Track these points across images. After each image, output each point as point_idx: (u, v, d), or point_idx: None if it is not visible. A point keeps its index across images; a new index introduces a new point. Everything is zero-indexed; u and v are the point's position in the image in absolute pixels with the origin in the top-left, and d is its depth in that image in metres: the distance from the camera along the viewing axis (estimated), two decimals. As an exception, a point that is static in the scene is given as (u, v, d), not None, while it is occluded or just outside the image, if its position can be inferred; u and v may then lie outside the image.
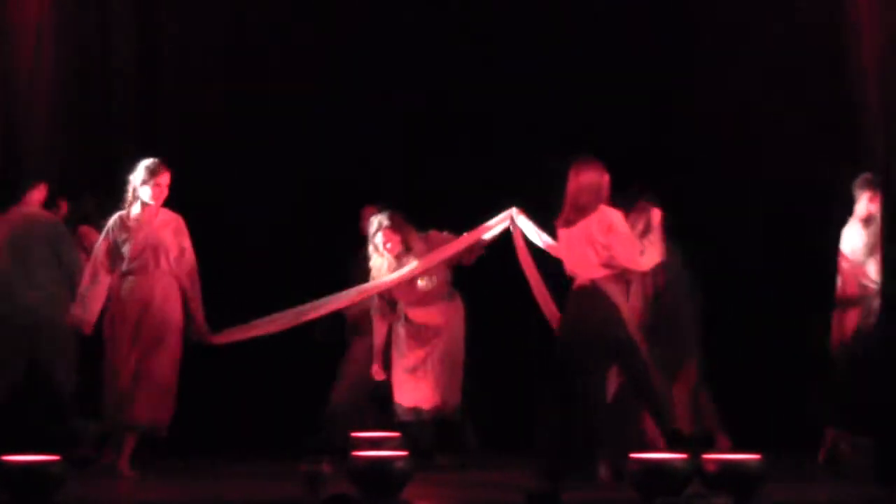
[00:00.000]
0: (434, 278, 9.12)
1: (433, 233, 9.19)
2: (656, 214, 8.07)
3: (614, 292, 7.79)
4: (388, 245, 9.09)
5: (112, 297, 8.56)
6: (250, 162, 10.61)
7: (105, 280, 8.56)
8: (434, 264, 8.97)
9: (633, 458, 7.19)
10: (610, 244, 7.77)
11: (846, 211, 9.08)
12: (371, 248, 9.18)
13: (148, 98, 10.70)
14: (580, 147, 8.18)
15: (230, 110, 10.69)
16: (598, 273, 7.78)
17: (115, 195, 8.89)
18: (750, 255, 10.05)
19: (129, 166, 8.79)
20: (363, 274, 9.39)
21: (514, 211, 8.73)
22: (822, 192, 9.56)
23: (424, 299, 9.15)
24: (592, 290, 7.76)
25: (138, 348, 8.45)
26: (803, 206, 9.78)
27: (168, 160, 8.98)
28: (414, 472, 7.31)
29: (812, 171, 9.77)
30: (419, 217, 9.33)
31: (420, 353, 9.11)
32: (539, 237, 8.55)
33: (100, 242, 8.62)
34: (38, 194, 9.26)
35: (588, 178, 7.88)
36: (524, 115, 10.66)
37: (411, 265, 8.97)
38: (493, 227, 8.80)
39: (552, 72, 10.65)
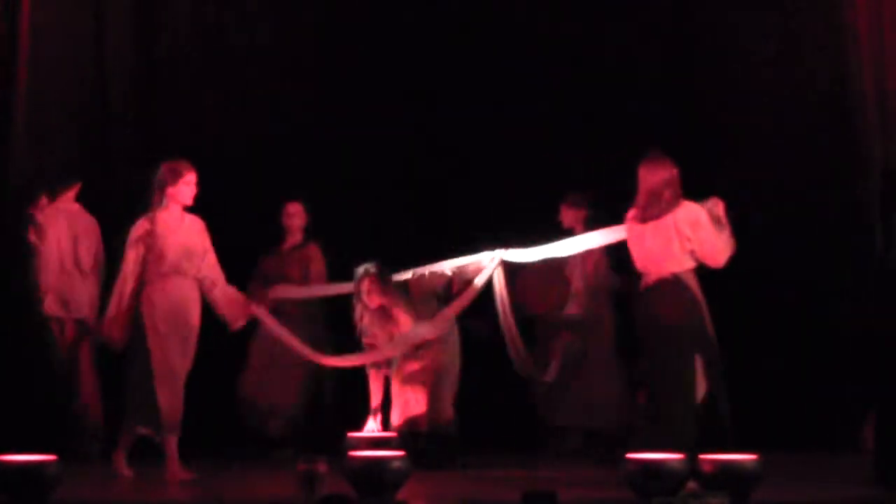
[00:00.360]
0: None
1: (413, 278, 9.16)
2: (721, 207, 8.07)
3: (695, 286, 7.92)
4: (372, 295, 9.02)
5: (146, 303, 8.35)
6: (248, 164, 10.65)
7: (133, 291, 8.44)
8: (448, 320, 9.05)
9: (629, 457, 7.20)
10: (697, 238, 7.89)
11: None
12: (355, 296, 9.11)
13: (146, 99, 10.74)
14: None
15: (228, 112, 10.77)
16: (681, 267, 7.91)
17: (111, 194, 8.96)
18: (747, 256, 10.06)
19: (127, 167, 8.86)
20: (274, 268, 9.61)
21: (500, 253, 8.82)
22: (819, 193, 9.60)
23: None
24: (675, 283, 7.89)
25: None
26: (799, 207, 9.81)
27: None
28: (410, 472, 7.29)
29: (811, 174, 9.80)
30: (413, 223, 9.32)
31: (415, 364, 9.10)
32: (561, 248, 8.62)
33: (130, 253, 8.39)
34: (73, 192, 9.52)
35: (665, 173, 8.00)
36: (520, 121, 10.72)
37: (417, 330, 9.00)
38: (482, 274, 8.87)
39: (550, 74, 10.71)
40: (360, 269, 9.08)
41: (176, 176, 8.44)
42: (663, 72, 10.60)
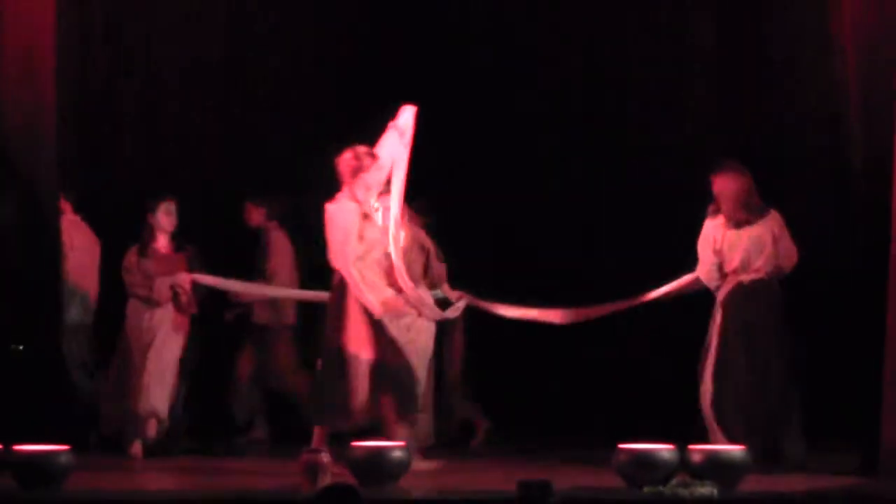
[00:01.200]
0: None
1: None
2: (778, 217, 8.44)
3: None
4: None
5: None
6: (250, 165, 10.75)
7: None
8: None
9: (620, 447, 7.39)
10: (782, 243, 8.30)
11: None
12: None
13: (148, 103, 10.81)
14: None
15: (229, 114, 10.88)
16: (771, 269, 8.27)
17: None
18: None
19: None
20: (157, 269, 9.29)
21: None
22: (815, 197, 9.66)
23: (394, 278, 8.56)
24: (769, 284, 8.28)
25: None
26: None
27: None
28: (411, 462, 7.50)
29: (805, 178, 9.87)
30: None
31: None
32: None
33: (351, 240, 8.07)
34: (71, 203, 9.68)
35: (747, 179, 8.36)
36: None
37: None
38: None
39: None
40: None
41: (368, 161, 8.19)
42: (651, 76, 10.65)
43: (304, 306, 9.87)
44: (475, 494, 7.55)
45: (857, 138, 8.42)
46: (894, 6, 8.09)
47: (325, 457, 7.31)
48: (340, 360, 8.05)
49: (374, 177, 8.16)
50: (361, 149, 8.19)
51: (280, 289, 9.93)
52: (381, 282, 8.12)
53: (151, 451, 9.05)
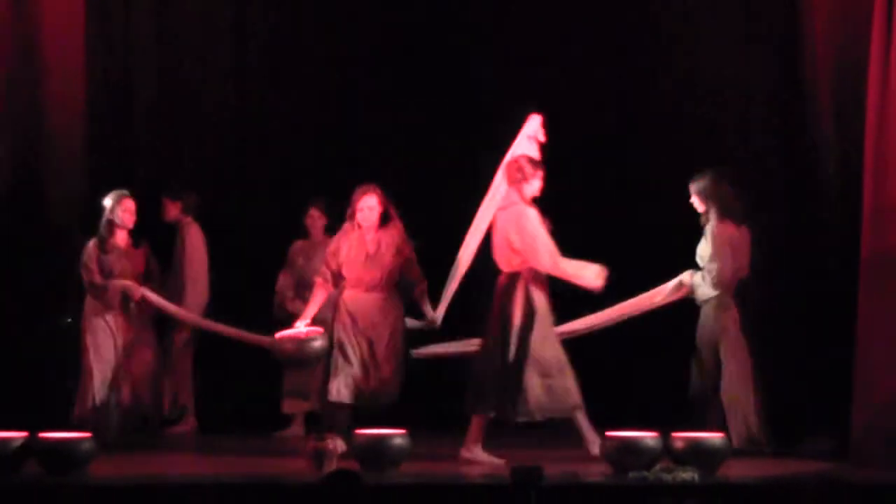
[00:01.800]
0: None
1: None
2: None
3: None
4: (373, 212, 8.65)
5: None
6: (259, 178, 10.96)
7: None
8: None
9: (607, 435, 7.69)
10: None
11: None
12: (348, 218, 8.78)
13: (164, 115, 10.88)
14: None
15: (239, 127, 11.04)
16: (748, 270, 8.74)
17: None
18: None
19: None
20: (119, 265, 9.32)
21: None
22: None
23: (370, 281, 8.72)
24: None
25: None
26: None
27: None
28: (411, 449, 7.75)
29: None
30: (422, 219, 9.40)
31: (362, 340, 8.73)
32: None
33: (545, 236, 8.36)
34: None
35: (725, 181, 8.73)
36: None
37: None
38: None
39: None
40: (359, 189, 8.74)
41: (531, 170, 8.40)
42: (633, 82, 10.72)
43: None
44: (470, 480, 7.77)
45: (828, 141, 8.72)
46: (862, 11, 8.27)
47: (332, 443, 7.59)
48: (519, 357, 8.28)
49: (536, 186, 8.39)
50: (524, 157, 8.41)
51: (225, 327, 9.62)
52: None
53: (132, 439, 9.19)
